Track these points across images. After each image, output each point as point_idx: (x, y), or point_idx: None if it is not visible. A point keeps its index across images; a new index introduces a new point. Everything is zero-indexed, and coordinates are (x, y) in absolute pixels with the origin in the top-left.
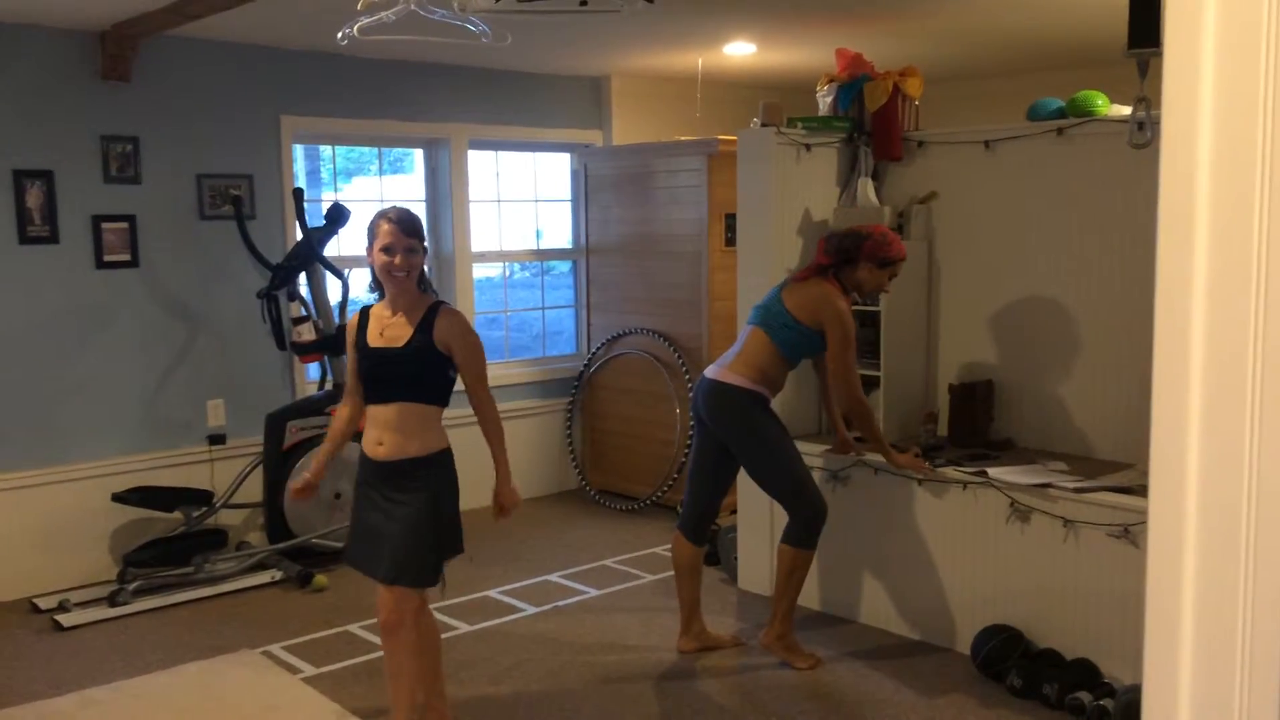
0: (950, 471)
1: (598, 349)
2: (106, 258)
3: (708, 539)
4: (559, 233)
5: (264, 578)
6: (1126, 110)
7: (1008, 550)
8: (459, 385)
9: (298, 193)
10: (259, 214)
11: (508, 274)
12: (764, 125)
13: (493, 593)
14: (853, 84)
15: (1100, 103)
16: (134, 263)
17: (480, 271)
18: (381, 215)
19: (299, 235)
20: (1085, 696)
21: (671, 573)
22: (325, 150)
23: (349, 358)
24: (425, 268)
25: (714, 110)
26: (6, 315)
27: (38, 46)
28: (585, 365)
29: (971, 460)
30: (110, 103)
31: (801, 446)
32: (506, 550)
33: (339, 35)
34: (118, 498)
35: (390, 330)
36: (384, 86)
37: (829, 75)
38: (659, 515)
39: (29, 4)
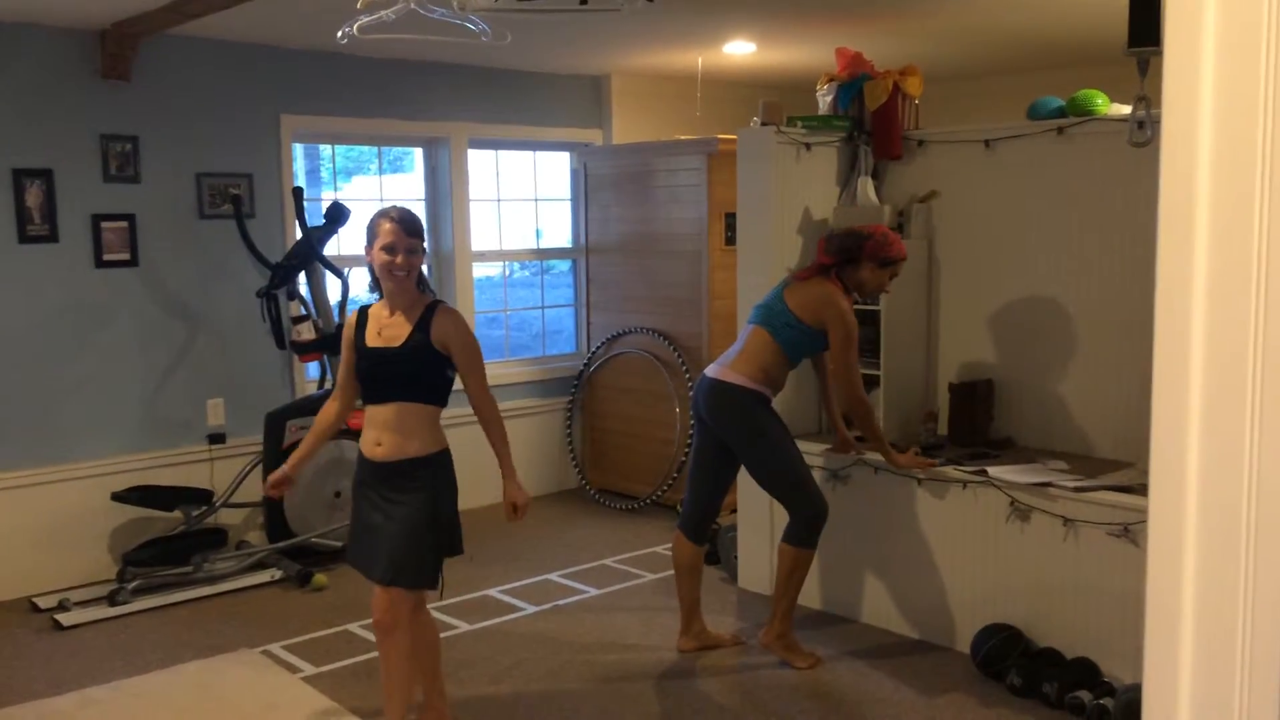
0: (950, 470)
1: (598, 348)
2: (106, 257)
3: (708, 538)
4: (559, 232)
5: (263, 577)
6: (1126, 109)
7: (1008, 549)
8: (458, 385)
9: (297, 192)
10: (259, 213)
11: (507, 273)
12: (764, 124)
13: (493, 592)
14: (853, 83)
15: (1100, 102)
16: (134, 262)
17: (480, 270)
18: (383, 214)
19: (299, 234)
20: (1085, 695)
21: (671, 572)
22: (325, 149)
23: (343, 356)
24: (424, 267)
25: (714, 109)
26: (6, 315)
27: (38, 45)
28: (585, 364)
29: (971, 459)
30: (110, 102)
31: (802, 446)
32: (506, 550)
33: (339, 34)
34: (117, 497)
35: (388, 330)
36: (384, 85)
37: (829, 74)
38: (659, 514)
39: (29, 3)
